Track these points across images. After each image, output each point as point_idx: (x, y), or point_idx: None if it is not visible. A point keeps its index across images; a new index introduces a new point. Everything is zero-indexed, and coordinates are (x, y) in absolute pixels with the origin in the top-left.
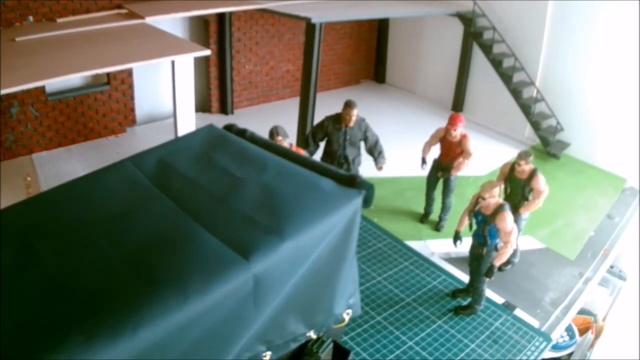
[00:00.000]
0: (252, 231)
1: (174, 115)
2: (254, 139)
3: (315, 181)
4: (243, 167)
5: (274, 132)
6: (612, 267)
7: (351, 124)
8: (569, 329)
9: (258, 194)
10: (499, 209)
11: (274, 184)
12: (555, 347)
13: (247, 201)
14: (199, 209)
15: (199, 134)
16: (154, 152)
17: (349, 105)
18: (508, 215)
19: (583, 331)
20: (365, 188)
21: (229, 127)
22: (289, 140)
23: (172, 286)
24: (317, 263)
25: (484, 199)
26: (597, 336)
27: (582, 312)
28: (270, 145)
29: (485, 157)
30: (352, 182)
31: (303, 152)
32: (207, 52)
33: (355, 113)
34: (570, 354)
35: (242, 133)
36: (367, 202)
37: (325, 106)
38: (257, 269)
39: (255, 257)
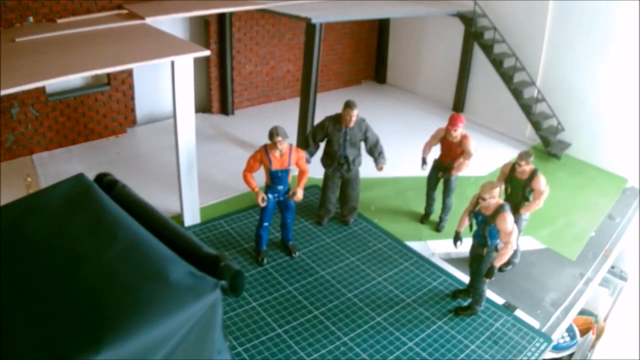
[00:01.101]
0: (68, 336)
1: (174, 116)
2: (122, 195)
3: (164, 266)
4: (92, 238)
5: (273, 132)
6: (613, 267)
7: (351, 124)
8: (570, 330)
9: (92, 280)
10: (499, 209)
11: (113, 268)
12: (556, 348)
13: (79, 289)
14: (30, 294)
15: (64, 186)
16: (12, 208)
17: (349, 105)
18: (508, 216)
19: (584, 332)
20: (229, 276)
21: (101, 178)
22: (289, 140)
23: None
24: None
25: (484, 199)
26: (598, 337)
27: (583, 312)
28: (135, 205)
29: (486, 157)
30: (214, 267)
31: (303, 153)
32: (206, 53)
33: (355, 113)
34: (571, 355)
35: (111, 187)
36: (235, 291)
37: (326, 106)
38: None
39: None
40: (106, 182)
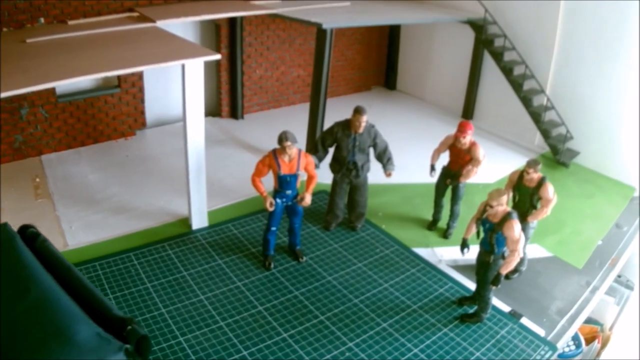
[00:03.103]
0: None
1: (184, 119)
2: (42, 249)
3: (73, 325)
4: (7, 289)
5: (282, 137)
6: (619, 276)
7: (360, 130)
8: (575, 338)
9: (4, 333)
10: (506, 217)
11: (26, 322)
12: (562, 356)
13: None
14: None
15: None
16: None
17: (358, 111)
18: (515, 224)
19: (590, 340)
20: (134, 340)
21: (24, 230)
22: (298, 145)
23: None
24: None
25: (491, 206)
26: (603, 345)
27: (589, 321)
28: (53, 260)
29: (495, 165)
30: (120, 330)
31: (312, 158)
32: (217, 57)
33: (364, 119)
34: None
35: (33, 239)
36: (142, 355)
37: (336, 112)
38: None
39: None
40: (29, 234)
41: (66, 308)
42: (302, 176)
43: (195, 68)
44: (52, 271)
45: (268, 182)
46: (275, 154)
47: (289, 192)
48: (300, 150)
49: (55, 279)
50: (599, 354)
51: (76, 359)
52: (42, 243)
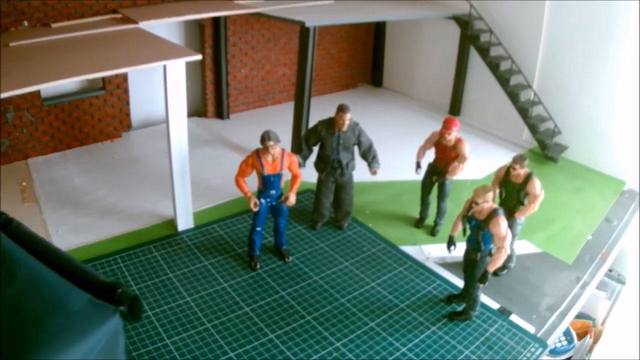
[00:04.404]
0: None
1: (167, 120)
2: (17, 232)
3: (65, 296)
4: None
5: (265, 137)
6: (610, 270)
7: (344, 128)
8: (567, 333)
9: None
10: (492, 213)
11: (18, 301)
12: (554, 352)
13: None
14: None
15: None
16: None
17: (341, 109)
18: (502, 220)
19: (582, 335)
20: (126, 302)
21: None
22: (281, 145)
23: None
24: None
25: (477, 203)
26: (595, 340)
27: (581, 316)
28: (31, 241)
29: (483, 161)
30: (111, 294)
31: (296, 157)
32: (198, 57)
33: (348, 117)
34: (569, 359)
35: (6, 225)
36: (134, 316)
37: (322, 110)
38: None
39: None
40: (2, 220)
41: (55, 282)
42: (287, 175)
43: (177, 69)
44: (31, 252)
45: (253, 183)
46: (258, 154)
47: (273, 192)
48: (283, 150)
49: (37, 257)
50: (591, 348)
51: (76, 327)
52: (16, 227)
